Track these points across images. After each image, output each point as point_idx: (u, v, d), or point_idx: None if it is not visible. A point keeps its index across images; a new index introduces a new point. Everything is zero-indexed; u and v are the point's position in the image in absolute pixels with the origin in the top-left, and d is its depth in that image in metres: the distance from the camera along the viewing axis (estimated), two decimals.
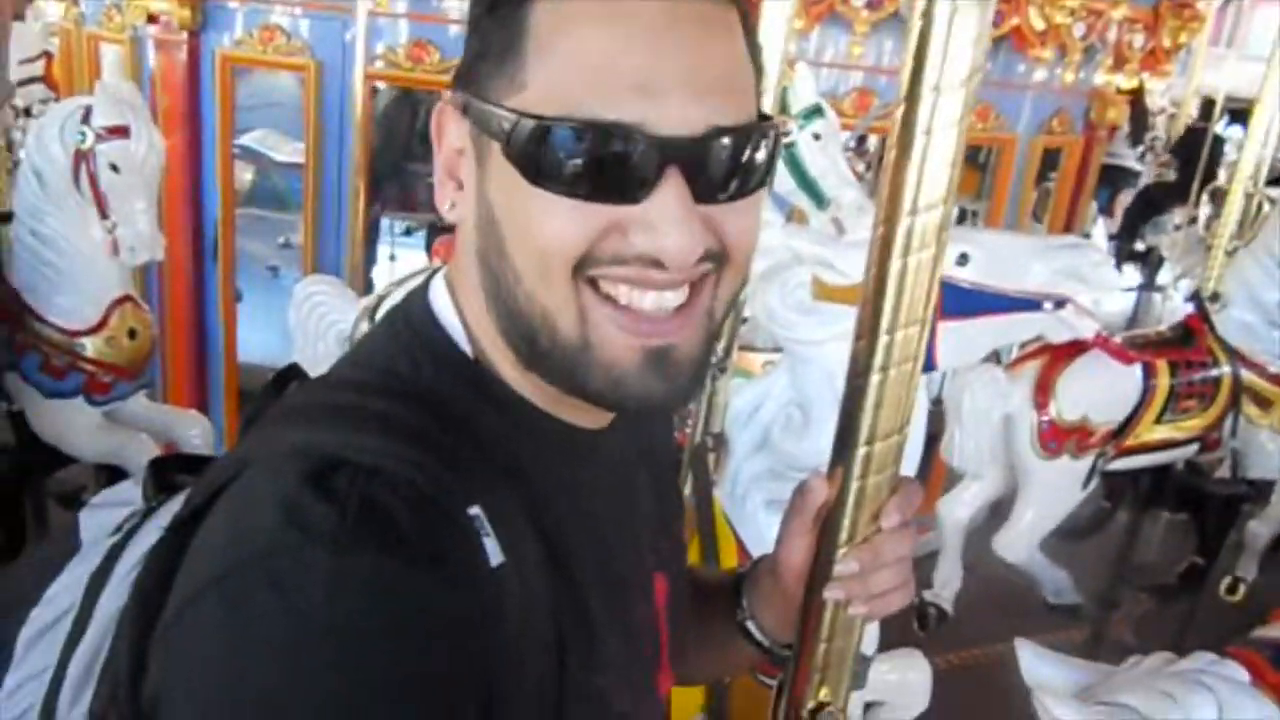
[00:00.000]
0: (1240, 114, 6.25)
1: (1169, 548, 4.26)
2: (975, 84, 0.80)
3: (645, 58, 0.67)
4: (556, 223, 0.69)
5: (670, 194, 0.68)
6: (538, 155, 0.68)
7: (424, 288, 0.82)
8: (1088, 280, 2.01)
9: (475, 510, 0.68)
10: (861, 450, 0.87)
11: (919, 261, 0.83)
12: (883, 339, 0.85)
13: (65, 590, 0.86)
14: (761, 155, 0.73)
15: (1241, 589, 3.98)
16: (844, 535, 0.88)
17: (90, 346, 3.13)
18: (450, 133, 0.76)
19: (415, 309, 0.81)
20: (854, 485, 0.87)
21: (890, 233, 0.82)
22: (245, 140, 6.03)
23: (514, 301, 0.73)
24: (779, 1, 1.75)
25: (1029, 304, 2.04)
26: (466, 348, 0.79)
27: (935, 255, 0.83)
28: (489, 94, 0.71)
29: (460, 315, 0.79)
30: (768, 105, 1.81)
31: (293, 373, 0.84)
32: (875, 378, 0.86)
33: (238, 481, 0.68)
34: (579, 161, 0.67)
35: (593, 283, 0.71)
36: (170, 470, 0.96)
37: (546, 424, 0.80)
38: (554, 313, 0.71)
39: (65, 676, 0.81)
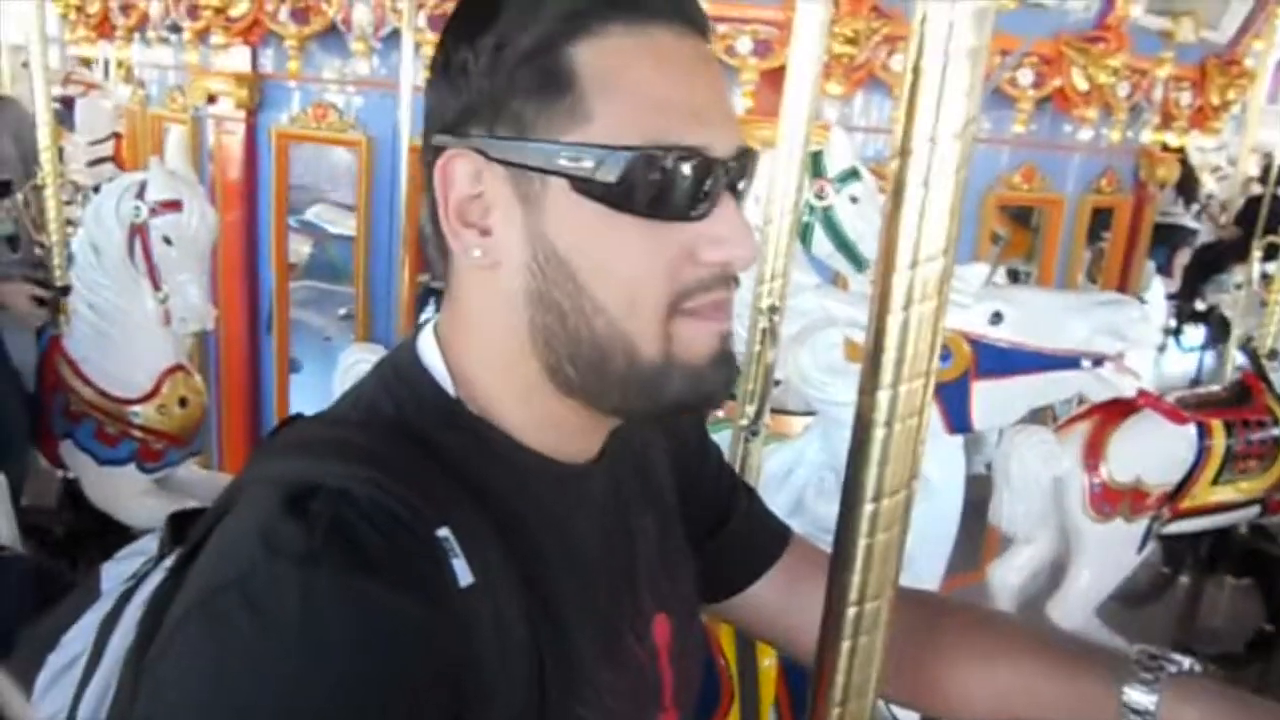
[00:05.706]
0: None
1: (1236, 614, 4.09)
2: (970, 135, 0.80)
3: (693, 91, 0.76)
4: (637, 249, 0.75)
5: (730, 208, 0.77)
6: (622, 182, 0.73)
7: (412, 337, 0.87)
8: (1127, 336, 1.97)
9: (444, 532, 0.71)
10: (868, 507, 0.85)
11: (921, 314, 0.82)
12: (886, 393, 0.84)
13: (79, 635, 0.88)
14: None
15: None
16: (853, 595, 0.86)
17: (142, 414, 3.22)
18: (460, 180, 0.77)
19: (402, 355, 0.86)
20: (861, 543, 0.86)
21: (888, 286, 0.82)
22: (307, 214, 6.20)
23: (588, 331, 0.76)
24: (805, 66, 1.76)
25: (1067, 362, 2.01)
26: (450, 388, 0.82)
27: (938, 308, 0.83)
28: (534, 132, 0.74)
29: (446, 360, 0.83)
30: (795, 170, 1.81)
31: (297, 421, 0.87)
32: (879, 433, 0.84)
33: (229, 514, 0.72)
34: (659, 184, 0.74)
35: (683, 314, 0.77)
36: (189, 524, 0.98)
37: (528, 459, 0.82)
38: (637, 338, 0.76)
39: (75, 718, 0.83)
